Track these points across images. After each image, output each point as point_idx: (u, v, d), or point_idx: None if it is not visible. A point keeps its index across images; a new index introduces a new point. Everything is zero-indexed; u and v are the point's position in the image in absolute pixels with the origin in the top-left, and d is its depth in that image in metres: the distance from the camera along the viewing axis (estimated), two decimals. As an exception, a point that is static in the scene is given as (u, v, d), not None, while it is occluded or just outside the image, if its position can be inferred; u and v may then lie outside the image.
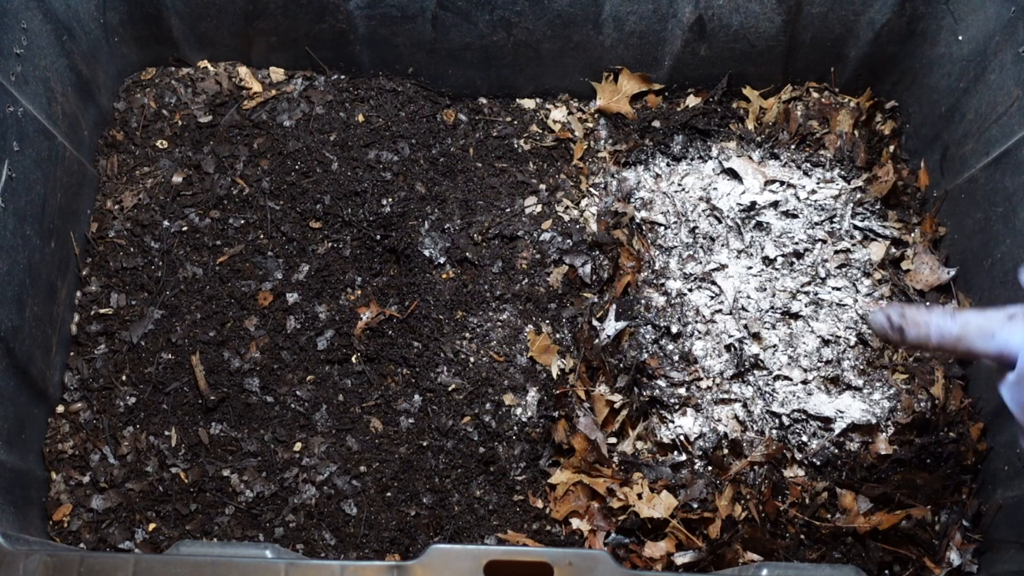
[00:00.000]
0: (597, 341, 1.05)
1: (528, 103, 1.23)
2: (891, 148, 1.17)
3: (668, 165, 1.16)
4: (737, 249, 1.10)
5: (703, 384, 1.03)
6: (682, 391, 1.02)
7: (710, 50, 1.16)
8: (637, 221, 1.12)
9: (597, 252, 1.11)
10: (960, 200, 1.07)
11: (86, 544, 0.98)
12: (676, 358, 1.04)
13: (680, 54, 1.17)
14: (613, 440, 1.02)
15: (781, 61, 1.18)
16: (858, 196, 1.12)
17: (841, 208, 1.11)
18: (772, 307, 1.06)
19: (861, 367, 1.03)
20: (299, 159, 1.16)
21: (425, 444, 1.02)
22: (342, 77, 1.21)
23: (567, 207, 1.15)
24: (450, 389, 1.04)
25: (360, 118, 1.18)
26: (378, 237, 1.11)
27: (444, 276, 1.10)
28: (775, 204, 1.12)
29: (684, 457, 1.00)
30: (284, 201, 1.14)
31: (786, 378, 1.02)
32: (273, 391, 1.05)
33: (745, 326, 1.05)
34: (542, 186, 1.16)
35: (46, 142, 1.01)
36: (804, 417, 1.01)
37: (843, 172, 1.14)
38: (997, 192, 0.99)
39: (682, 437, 1.00)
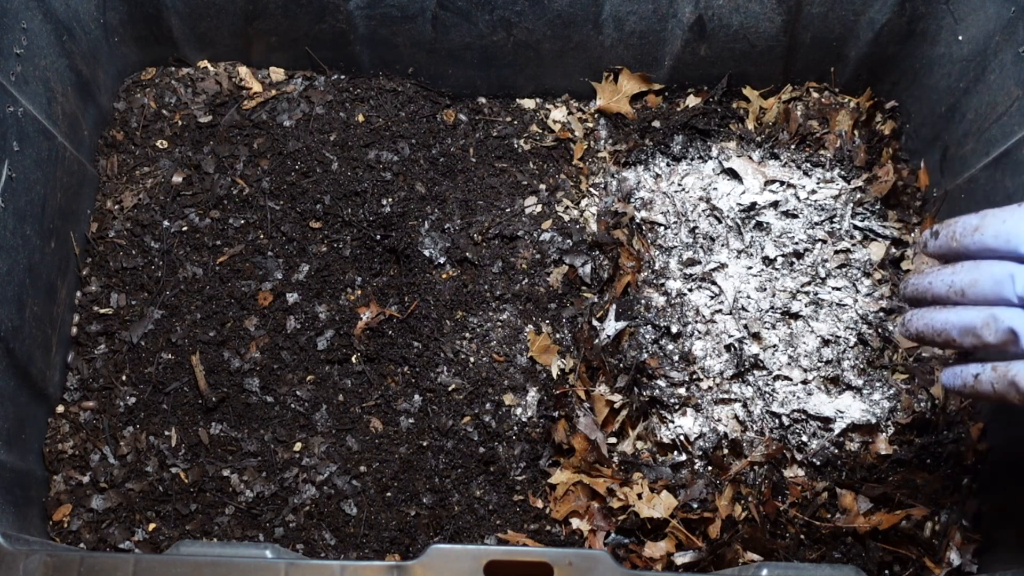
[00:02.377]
0: (597, 341, 1.05)
1: (528, 103, 1.23)
2: (891, 148, 1.17)
3: (668, 165, 1.16)
4: (737, 249, 1.10)
5: (703, 384, 1.03)
6: (682, 391, 1.02)
7: (710, 50, 1.16)
8: (637, 221, 1.12)
9: (597, 252, 1.11)
10: (960, 200, 1.07)
11: (86, 544, 0.98)
12: (676, 358, 1.04)
13: (680, 54, 1.17)
14: (613, 440, 1.02)
15: (781, 61, 1.18)
16: (858, 196, 1.12)
17: (841, 208, 1.11)
18: (772, 307, 1.06)
19: (861, 367, 1.03)
20: (299, 159, 1.16)
21: (425, 444, 1.02)
22: (342, 77, 1.21)
23: (567, 207, 1.15)
24: (450, 389, 1.04)
25: (360, 118, 1.18)
26: (378, 237, 1.11)
27: (444, 276, 1.10)
28: (775, 204, 1.12)
29: (684, 457, 1.00)
30: (284, 201, 1.14)
31: (786, 378, 1.03)
32: (273, 391, 1.05)
33: (745, 326, 1.05)
34: (542, 186, 1.16)
35: (46, 142, 1.01)
36: (804, 417, 1.01)
37: (843, 172, 1.14)
38: (997, 192, 0.99)
39: (682, 437, 1.00)
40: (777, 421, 1.01)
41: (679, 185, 1.14)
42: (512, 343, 1.07)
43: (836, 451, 0.99)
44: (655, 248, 1.11)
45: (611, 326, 1.05)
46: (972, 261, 0.73)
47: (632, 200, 1.14)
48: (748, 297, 1.07)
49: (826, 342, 1.04)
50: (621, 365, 1.03)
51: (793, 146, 1.17)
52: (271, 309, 1.08)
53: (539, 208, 1.14)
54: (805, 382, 1.02)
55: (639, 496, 0.97)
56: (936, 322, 0.75)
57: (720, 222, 1.11)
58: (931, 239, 0.77)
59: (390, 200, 1.13)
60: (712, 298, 1.07)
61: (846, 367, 1.03)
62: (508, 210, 1.14)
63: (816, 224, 1.10)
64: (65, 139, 1.06)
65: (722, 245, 1.10)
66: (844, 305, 1.06)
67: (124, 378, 1.05)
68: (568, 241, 1.12)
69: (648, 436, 1.01)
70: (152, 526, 0.99)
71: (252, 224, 1.13)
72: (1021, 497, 0.91)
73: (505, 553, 0.68)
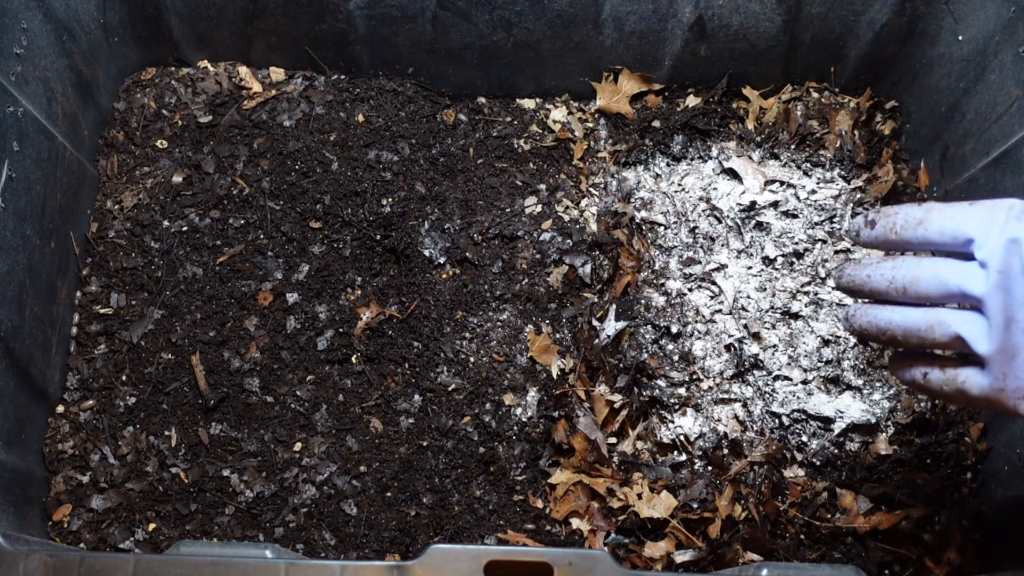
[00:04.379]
0: (597, 341, 1.05)
1: (528, 103, 1.23)
2: (891, 148, 1.17)
3: (668, 165, 1.16)
4: (737, 249, 1.10)
5: (703, 384, 1.03)
6: (682, 391, 1.02)
7: (710, 50, 1.16)
8: (637, 221, 1.12)
9: (597, 252, 1.11)
10: (960, 200, 1.06)
11: (86, 544, 0.98)
12: (676, 358, 1.04)
13: (680, 54, 1.17)
14: (613, 440, 1.02)
15: (781, 61, 1.18)
16: (858, 196, 1.12)
17: (841, 208, 1.11)
18: (772, 307, 1.06)
19: (861, 367, 1.03)
20: (299, 159, 1.16)
21: (425, 444, 1.02)
22: (342, 77, 1.21)
23: (567, 207, 1.15)
24: (450, 389, 1.04)
25: (360, 118, 1.18)
26: (378, 237, 1.11)
27: (444, 276, 1.10)
28: (775, 204, 1.12)
29: (684, 457, 1.00)
30: (284, 201, 1.14)
31: (786, 378, 1.03)
32: (273, 391, 1.05)
33: (745, 326, 1.05)
34: (542, 186, 1.16)
35: (46, 142, 1.01)
36: (804, 417, 1.01)
37: (843, 172, 1.14)
38: (997, 192, 0.99)
39: (682, 437, 1.00)
40: (777, 421, 1.01)
41: (679, 185, 1.14)
42: (512, 343, 1.07)
43: (836, 451, 0.99)
44: (655, 248, 1.11)
45: (611, 326, 1.05)
46: (913, 257, 0.70)
47: (632, 200, 1.14)
48: (748, 297, 1.07)
49: (826, 342, 1.04)
50: (621, 365, 1.03)
51: (793, 146, 1.17)
52: (271, 309, 1.08)
53: (539, 208, 1.14)
54: (805, 382, 1.02)
55: (639, 496, 0.97)
56: (879, 320, 0.72)
57: (720, 222, 1.11)
58: (866, 228, 0.72)
59: (390, 200, 1.13)
60: (712, 298, 1.07)
61: (846, 367, 1.03)
62: (508, 210, 1.14)
63: (816, 224, 1.10)
64: (65, 139, 1.06)
65: (722, 245, 1.10)
66: (844, 305, 1.06)
67: (124, 378, 1.05)
68: (568, 241, 1.12)
69: (648, 436, 1.01)
70: (152, 526, 0.99)
71: (252, 224, 1.13)
72: (1021, 497, 0.91)
73: (505, 553, 0.68)
